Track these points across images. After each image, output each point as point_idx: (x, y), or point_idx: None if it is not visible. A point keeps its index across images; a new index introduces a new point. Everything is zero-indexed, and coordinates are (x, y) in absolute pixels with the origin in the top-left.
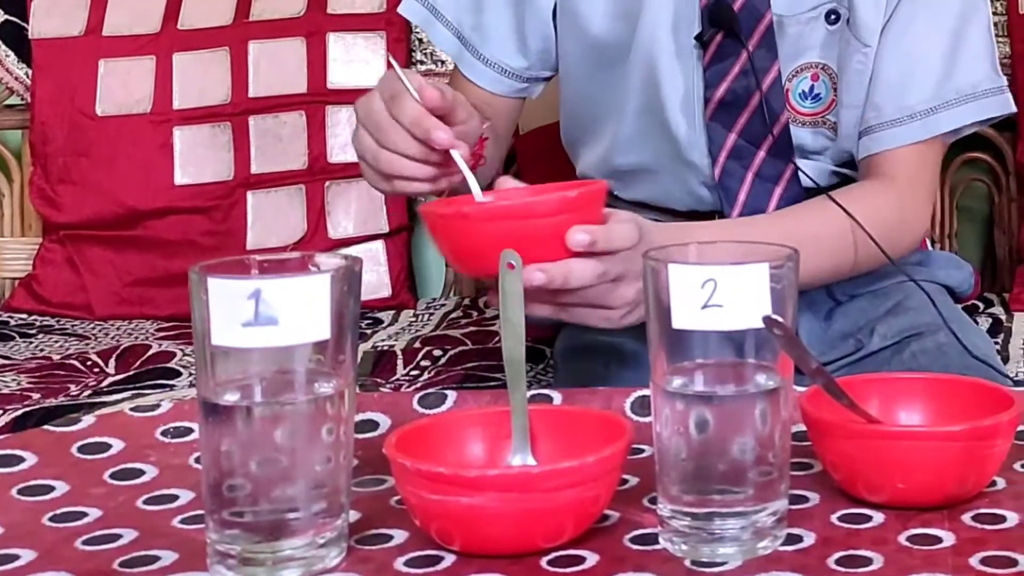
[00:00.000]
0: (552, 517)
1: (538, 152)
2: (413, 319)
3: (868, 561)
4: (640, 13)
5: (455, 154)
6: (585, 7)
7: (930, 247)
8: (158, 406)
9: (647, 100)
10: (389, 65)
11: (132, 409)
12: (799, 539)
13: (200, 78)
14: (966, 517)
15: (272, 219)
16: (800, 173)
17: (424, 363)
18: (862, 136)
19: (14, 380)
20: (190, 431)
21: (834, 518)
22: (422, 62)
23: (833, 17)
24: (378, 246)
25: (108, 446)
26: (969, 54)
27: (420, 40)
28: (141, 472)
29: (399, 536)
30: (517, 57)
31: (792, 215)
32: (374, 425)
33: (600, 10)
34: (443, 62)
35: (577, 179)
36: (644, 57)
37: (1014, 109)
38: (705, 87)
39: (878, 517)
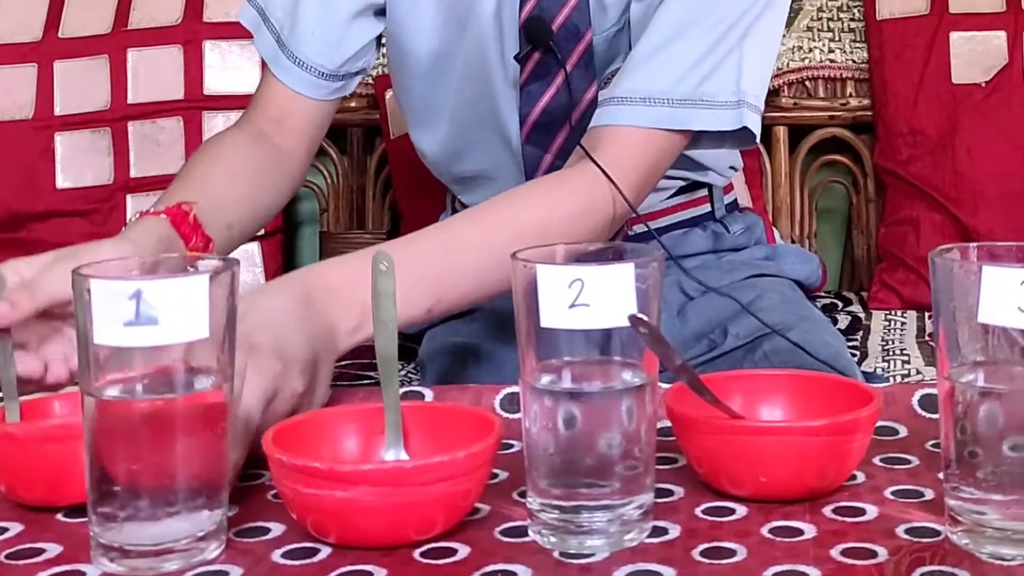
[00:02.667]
0: (424, 510)
1: (410, 156)
2: None
3: (732, 553)
4: (465, 29)
5: None
6: (404, 20)
7: (779, 241)
8: None
9: (481, 114)
10: None
11: None
12: (665, 531)
13: (80, 85)
14: (827, 510)
15: None
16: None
17: None
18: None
19: None
20: None
21: (698, 511)
22: None
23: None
24: (254, 248)
25: None
26: (719, 64)
27: None
28: None
29: (276, 529)
30: (331, 58)
31: (448, 223)
32: None
33: (421, 25)
34: None
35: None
36: (474, 74)
37: (754, 131)
38: (521, 106)
39: (741, 510)
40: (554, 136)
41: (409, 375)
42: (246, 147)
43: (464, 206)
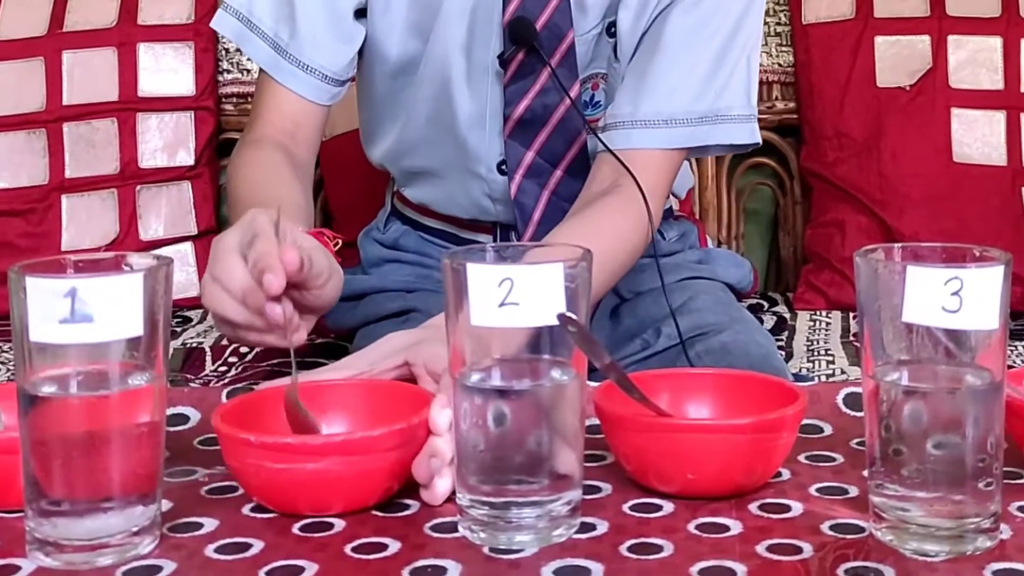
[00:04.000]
0: (355, 481)
1: (342, 159)
2: None
3: (659, 548)
4: (432, 30)
5: (270, 307)
6: (379, 21)
7: (711, 245)
8: None
9: (437, 112)
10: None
11: None
12: (593, 527)
13: (16, 86)
14: (753, 506)
15: (86, 222)
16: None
17: (231, 359)
18: (609, 129)
19: None
20: None
21: (626, 507)
22: (228, 71)
23: (613, 30)
24: (187, 247)
25: None
26: (730, 77)
27: (227, 50)
28: None
29: (210, 524)
30: (335, 60)
31: None
32: (184, 418)
33: (394, 27)
34: (248, 71)
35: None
36: (435, 73)
37: (759, 141)
38: (505, 104)
39: (668, 506)
40: (536, 134)
41: None
42: (286, 166)
43: (404, 200)
